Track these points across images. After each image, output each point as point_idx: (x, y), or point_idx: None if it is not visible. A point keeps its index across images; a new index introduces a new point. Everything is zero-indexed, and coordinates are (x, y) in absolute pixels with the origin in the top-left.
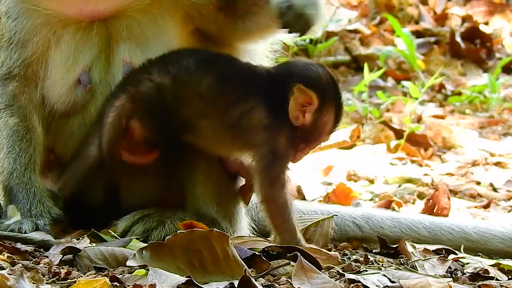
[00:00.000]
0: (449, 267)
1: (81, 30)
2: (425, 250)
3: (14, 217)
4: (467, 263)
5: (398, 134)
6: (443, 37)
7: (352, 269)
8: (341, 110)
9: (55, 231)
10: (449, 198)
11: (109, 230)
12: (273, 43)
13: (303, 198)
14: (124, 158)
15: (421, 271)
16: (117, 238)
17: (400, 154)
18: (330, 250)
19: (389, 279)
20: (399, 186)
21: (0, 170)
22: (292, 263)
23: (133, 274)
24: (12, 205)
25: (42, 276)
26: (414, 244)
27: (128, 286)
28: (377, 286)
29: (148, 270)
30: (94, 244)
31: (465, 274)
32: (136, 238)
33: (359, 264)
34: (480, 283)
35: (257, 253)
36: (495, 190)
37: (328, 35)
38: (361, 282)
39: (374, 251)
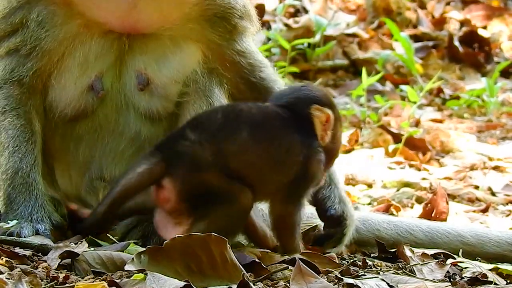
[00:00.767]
0: (448, 272)
1: (103, 38)
2: (424, 254)
3: (14, 221)
4: (466, 268)
5: (396, 138)
6: (441, 41)
7: (351, 273)
8: (341, 121)
9: (54, 236)
10: (447, 202)
11: (108, 235)
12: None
13: None
14: (158, 218)
15: (419, 275)
16: (115, 242)
17: (399, 158)
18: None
19: (388, 283)
20: (398, 190)
21: (4, 169)
22: (290, 267)
23: (131, 278)
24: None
25: (40, 281)
26: (413, 248)
27: None
28: None
29: (146, 274)
30: (92, 249)
31: (463, 278)
32: (135, 243)
33: (358, 268)
34: (479, 287)
35: (256, 259)
36: (493, 194)
37: (326, 39)
38: (359, 286)
39: (372, 255)
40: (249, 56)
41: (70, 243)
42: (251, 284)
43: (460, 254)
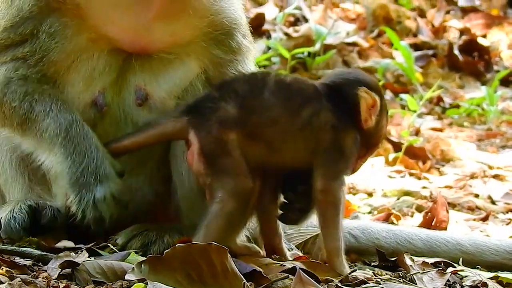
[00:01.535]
0: (448, 280)
1: (110, 55)
2: (424, 263)
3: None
4: (466, 276)
5: (397, 147)
6: (441, 50)
7: (351, 282)
8: (388, 115)
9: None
10: (447, 211)
11: (108, 244)
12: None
13: None
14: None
15: (419, 284)
16: (115, 251)
17: (399, 167)
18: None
19: None
20: (398, 199)
21: (54, 126)
22: (291, 276)
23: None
24: None
25: None
26: (413, 257)
27: None
28: None
29: (146, 284)
30: (92, 258)
31: (463, 287)
32: (135, 252)
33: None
34: None
35: (256, 268)
36: (493, 202)
37: (326, 48)
38: None
39: (372, 264)
40: None
41: (70, 252)
42: None
43: (460, 262)
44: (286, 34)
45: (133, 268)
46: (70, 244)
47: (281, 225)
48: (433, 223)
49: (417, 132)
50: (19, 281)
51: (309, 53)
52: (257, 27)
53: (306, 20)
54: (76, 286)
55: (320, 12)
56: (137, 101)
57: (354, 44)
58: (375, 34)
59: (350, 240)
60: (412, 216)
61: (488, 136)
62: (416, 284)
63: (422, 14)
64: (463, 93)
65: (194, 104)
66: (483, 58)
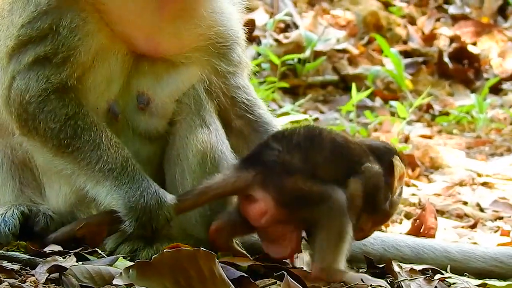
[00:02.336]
0: (435, 287)
1: (123, 58)
2: (412, 270)
3: None
4: (454, 283)
5: None
6: (431, 57)
7: None
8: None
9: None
10: (436, 218)
11: (96, 249)
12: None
13: None
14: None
15: None
16: (103, 256)
17: None
18: None
19: None
20: None
21: (106, 161)
22: (278, 282)
23: None
24: None
25: None
26: (401, 264)
27: None
28: None
29: None
30: (80, 263)
31: None
32: (123, 257)
33: (345, 284)
34: None
35: (244, 274)
36: (482, 210)
37: (316, 54)
38: None
39: (360, 270)
40: (248, 92)
41: (58, 257)
42: None
43: (448, 270)
44: (276, 40)
45: (121, 273)
46: (58, 248)
47: None
48: (421, 230)
49: (406, 139)
50: (6, 286)
51: (299, 60)
52: (248, 33)
53: (296, 27)
54: None
55: (310, 19)
56: (140, 106)
57: (344, 51)
58: (365, 41)
59: None
60: (400, 223)
61: (477, 143)
62: None
63: (412, 21)
64: (453, 100)
65: (255, 159)
66: (473, 66)
